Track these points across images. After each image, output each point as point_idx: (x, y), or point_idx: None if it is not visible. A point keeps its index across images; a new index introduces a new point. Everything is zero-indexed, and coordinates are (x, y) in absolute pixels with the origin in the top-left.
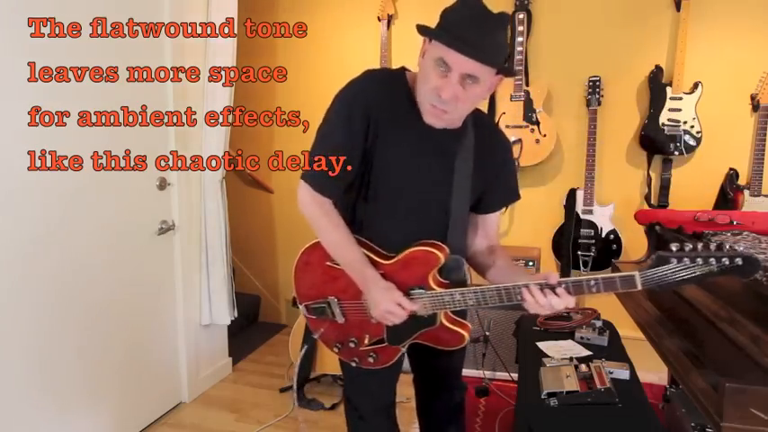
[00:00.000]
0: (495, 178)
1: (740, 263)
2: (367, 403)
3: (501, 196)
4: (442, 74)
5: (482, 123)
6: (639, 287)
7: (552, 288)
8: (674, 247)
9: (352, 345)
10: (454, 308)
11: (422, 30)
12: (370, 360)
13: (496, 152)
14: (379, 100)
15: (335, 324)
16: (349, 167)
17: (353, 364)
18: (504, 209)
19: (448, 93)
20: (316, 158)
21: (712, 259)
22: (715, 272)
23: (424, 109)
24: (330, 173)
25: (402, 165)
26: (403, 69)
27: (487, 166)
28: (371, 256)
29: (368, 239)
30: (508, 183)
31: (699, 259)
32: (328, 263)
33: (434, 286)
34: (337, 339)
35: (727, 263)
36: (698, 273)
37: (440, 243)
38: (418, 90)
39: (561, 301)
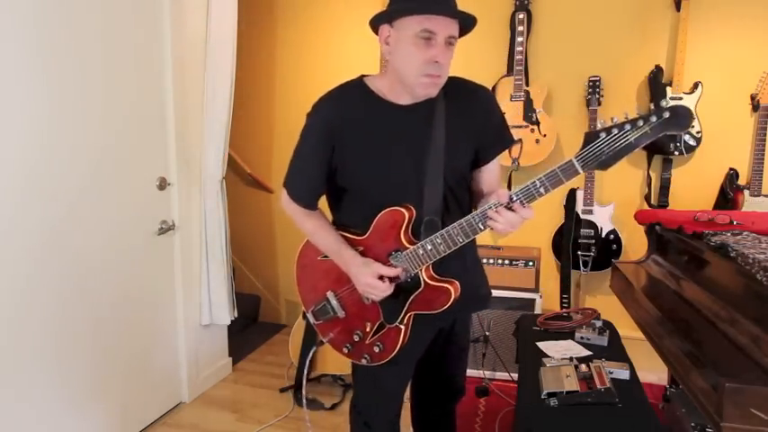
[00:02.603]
0: (483, 130)
1: (668, 116)
2: (374, 412)
3: (493, 146)
4: (428, 43)
5: (453, 86)
6: (580, 170)
7: (509, 206)
8: (600, 124)
9: (357, 338)
10: (430, 259)
11: (391, 13)
12: (376, 350)
13: (475, 107)
14: (334, 115)
15: (339, 320)
16: (315, 180)
17: (364, 362)
18: (500, 156)
19: (443, 56)
20: (290, 174)
21: (640, 121)
22: (649, 132)
23: (419, 83)
24: (300, 185)
25: (367, 157)
26: (360, 76)
27: (471, 123)
28: (348, 236)
29: (344, 225)
30: (498, 131)
31: (627, 125)
32: (319, 257)
33: (408, 245)
34: (345, 338)
35: (655, 119)
36: (631, 138)
37: (405, 205)
38: (403, 73)
39: (519, 215)
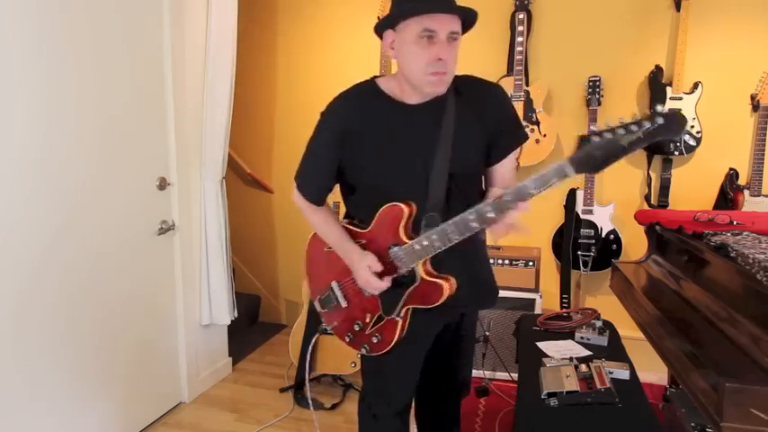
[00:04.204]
0: (495, 125)
1: (662, 122)
2: (382, 404)
3: (506, 142)
4: (430, 42)
5: (463, 83)
6: (572, 173)
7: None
8: (593, 128)
9: (357, 327)
10: (427, 254)
11: (392, 18)
12: (375, 341)
13: (486, 102)
14: (349, 115)
15: (342, 310)
16: (326, 178)
17: (364, 351)
18: (515, 154)
19: (446, 53)
20: (301, 170)
21: (634, 126)
22: (642, 137)
23: (426, 81)
24: (309, 182)
25: (377, 155)
26: (372, 78)
27: (481, 118)
28: (353, 228)
29: (353, 217)
30: (510, 126)
31: (620, 130)
32: (325, 248)
33: (406, 240)
34: (347, 327)
35: (649, 125)
36: (623, 143)
37: (406, 201)
38: (410, 73)
39: (513, 213)
